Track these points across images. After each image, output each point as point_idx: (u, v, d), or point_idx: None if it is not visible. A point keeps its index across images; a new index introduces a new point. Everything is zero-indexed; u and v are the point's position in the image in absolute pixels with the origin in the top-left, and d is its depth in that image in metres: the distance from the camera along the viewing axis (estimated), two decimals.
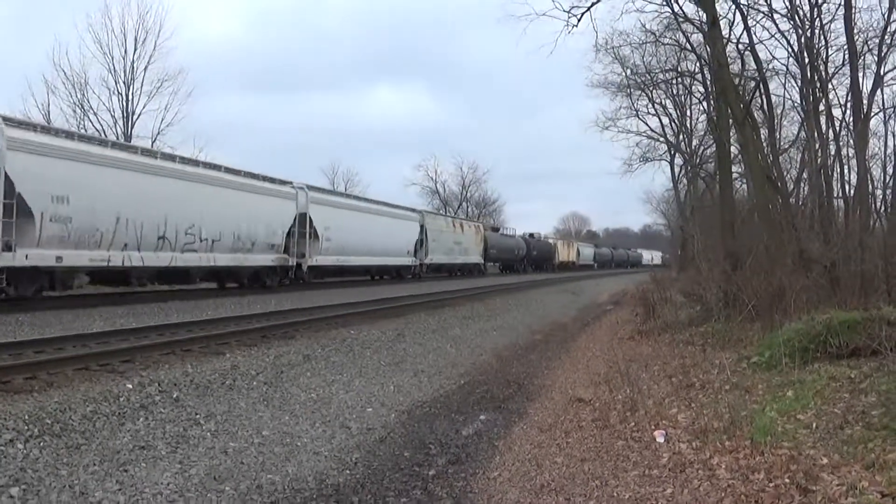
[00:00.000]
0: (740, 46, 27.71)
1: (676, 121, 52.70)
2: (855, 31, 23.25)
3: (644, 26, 33.98)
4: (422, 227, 52.79)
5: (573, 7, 24.89)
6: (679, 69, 41.07)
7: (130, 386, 10.65)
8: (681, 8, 28.08)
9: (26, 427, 8.35)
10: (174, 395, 10.58)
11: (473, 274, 65.08)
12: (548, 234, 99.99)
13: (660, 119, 52.67)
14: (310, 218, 36.10)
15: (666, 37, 34.05)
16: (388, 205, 49.78)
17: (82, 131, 32.64)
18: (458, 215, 76.01)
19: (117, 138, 40.78)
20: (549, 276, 72.07)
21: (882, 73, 25.61)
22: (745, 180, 33.44)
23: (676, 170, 57.76)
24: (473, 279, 58.10)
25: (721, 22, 24.15)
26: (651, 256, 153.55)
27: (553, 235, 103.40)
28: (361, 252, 41.95)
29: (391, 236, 46.88)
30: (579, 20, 24.91)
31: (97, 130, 42.83)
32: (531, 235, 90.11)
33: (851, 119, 23.69)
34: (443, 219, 62.05)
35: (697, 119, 51.05)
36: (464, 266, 64.02)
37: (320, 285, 38.32)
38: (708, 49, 26.75)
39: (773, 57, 32.35)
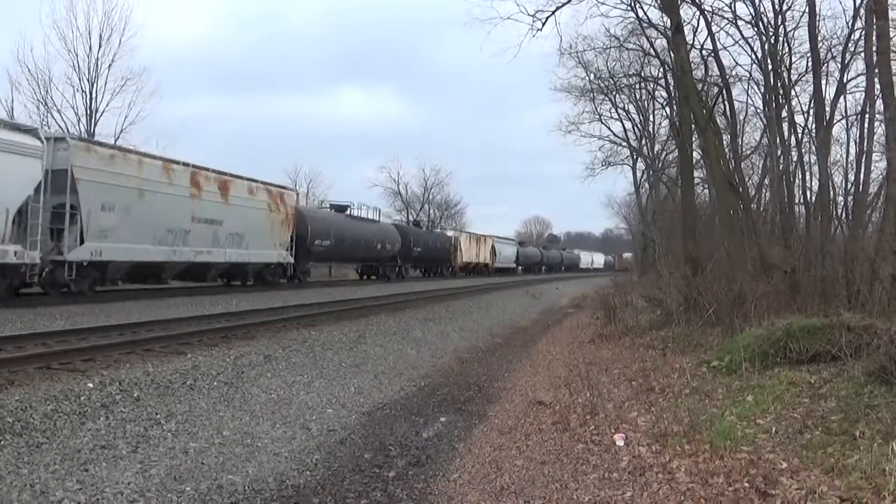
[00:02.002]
0: (704, 52, 27.98)
1: (639, 125, 53.19)
2: (819, 38, 23.49)
3: (608, 31, 34.25)
4: (66, 174, 22.95)
5: (538, 11, 24.97)
6: (642, 74, 41.32)
7: (91, 385, 10.53)
8: (645, 13, 28.31)
9: None
10: (135, 395, 10.47)
11: (266, 283, 35.79)
12: (446, 227, 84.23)
13: (622, 124, 53.05)
14: None
15: (630, 42, 34.34)
16: None
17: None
18: (227, 172, 32.86)
19: (80, 135, 40.45)
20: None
21: (845, 80, 25.93)
22: (706, 185, 33.66)
23: (638, 174, 58.26)
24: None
25: (685, 28, 24.35)
26: (591, 259, 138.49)
27: (454, 229, 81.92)
28: None
29: None
30: (544, 24, 24.97)
31: (60, 128, 42.53)
32: (416, 224, 69.68)
33: (814, 126, 23.95)
34: (156, 166, 27.45)
35: (660, 124, 51.45)
36: (236, 268, 33.54)
37: None
38: (671, 54, 26.90)
39: (737, 63, 32.82)
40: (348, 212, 49.37)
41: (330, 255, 44.75)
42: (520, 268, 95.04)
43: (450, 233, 72.97)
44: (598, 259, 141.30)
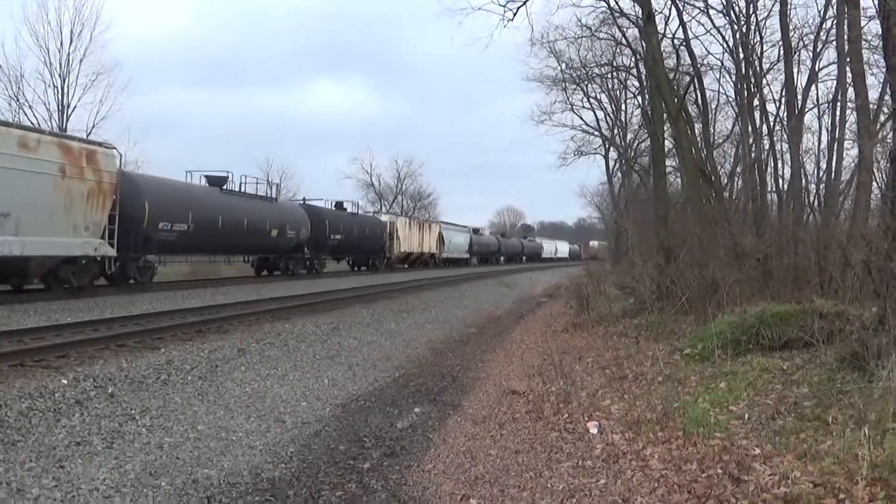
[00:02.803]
0: (676, 41, 28.16)
1: (611, 115, 53.25)
2: (790, 27, 23.62)
3: (580, 21, 34.21)
4: None
5: (509, 1, 24.97)
6: (614, 63, 41.48)
7: (66, 381, 10.44)
8: (617, 3, 28.39)
9: None
10: (109, 391, 10.40)
11: (75, 287, 22.86)
12: (379, 211, 74.07)
13: (595, 113, 53.03)
14: None
15: (602, 31, 34.42)
16: None
17: None
18: None
19: (52, 131, 40.18)
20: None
21: (816, 69, 26.07)
22: (679, 174, 33.80)
23: (611, 163, 58.45)
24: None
25: (657, 17, 24.44)
26: (555, 248, 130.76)
27: (390, 213, 71.85)
28: None
29: None
30: (515, 14, 25.03)
31: (32, 123, 42.07)
32: (339, 206, 52.24)
33: (785, 114, 24.06)
34: None
35: (632, 113, 51.69)
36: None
37: None
38: (643, 44, 27.03)
39: (709, 52, 32.85)
40: (227, 186, 35.35)
41: (187, 245, 31.11)
42: (474, 258, 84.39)
43: (384, 217, 61.23)
44: (563, 248, 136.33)
